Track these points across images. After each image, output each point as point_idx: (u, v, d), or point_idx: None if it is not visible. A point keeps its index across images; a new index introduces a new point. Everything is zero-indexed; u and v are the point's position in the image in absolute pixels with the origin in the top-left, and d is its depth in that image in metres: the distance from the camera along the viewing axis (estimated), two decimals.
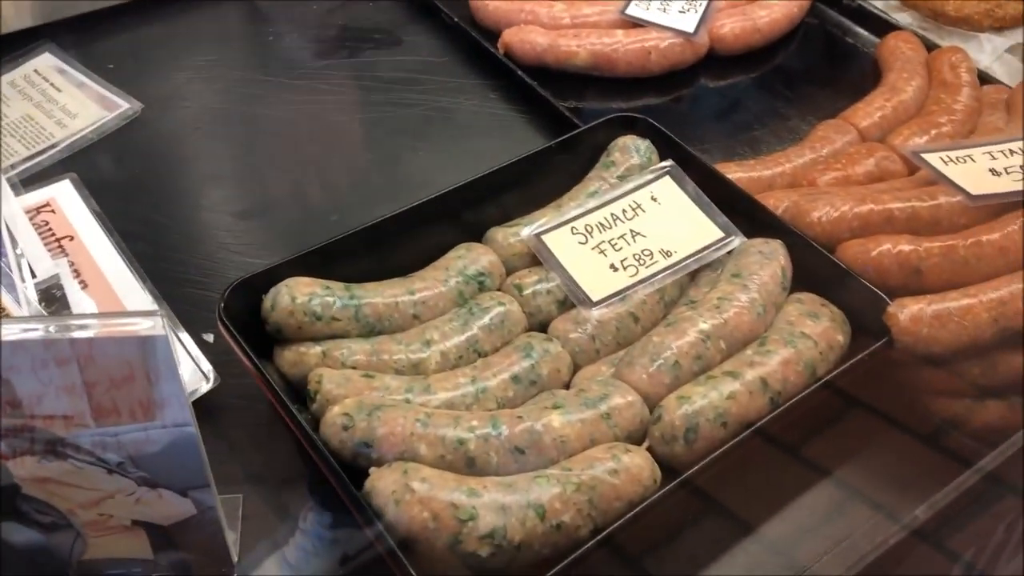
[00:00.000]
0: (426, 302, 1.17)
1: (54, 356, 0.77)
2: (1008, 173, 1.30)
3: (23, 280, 1.23)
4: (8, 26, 1.64)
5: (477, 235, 1.28)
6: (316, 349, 1.11)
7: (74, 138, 1.51)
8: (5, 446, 0.81)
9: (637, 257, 1.22)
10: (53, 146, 1.49)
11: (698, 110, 1.68)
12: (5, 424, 0.80)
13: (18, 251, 1.27)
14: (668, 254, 1.23)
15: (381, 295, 1.16)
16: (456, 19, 1.75)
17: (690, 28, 1.66)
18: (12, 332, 0.77)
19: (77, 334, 0.76)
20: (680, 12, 1.68)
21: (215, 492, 0.88)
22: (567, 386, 1.13)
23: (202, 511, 0.89)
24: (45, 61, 1.64)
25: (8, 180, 1.39)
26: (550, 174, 1.36)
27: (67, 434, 0.81)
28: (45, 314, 1.20)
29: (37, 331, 0.77)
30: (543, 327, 1.19)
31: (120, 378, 0.78)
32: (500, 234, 1.26)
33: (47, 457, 0.83)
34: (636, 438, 1.07)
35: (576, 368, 1.15)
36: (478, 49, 1.71)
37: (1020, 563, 1.30)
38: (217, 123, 1.59)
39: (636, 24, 1.68)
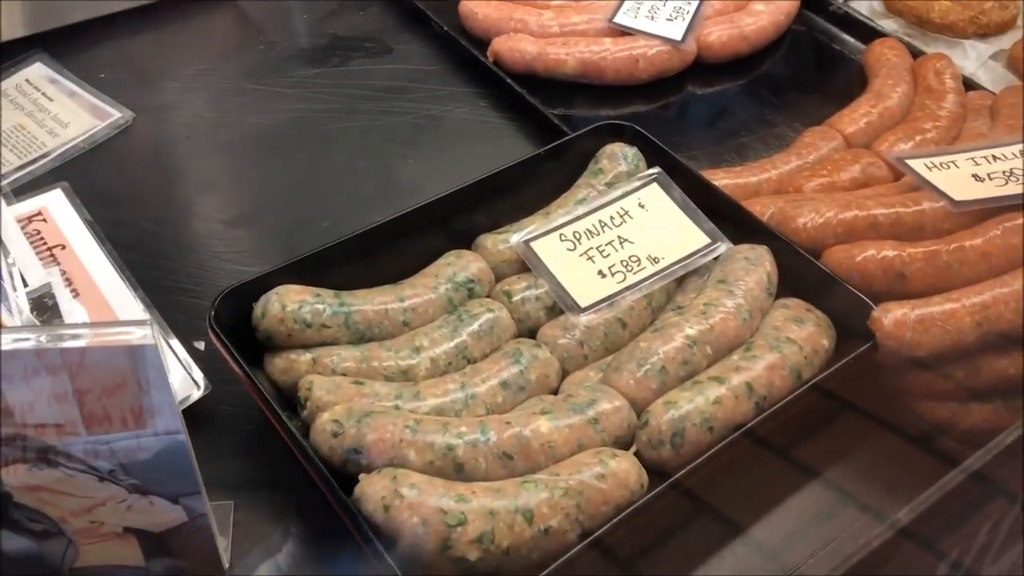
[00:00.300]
0: (416, 309, 1.18)
1: (45, 365, 0.78)
2: (991, 179, 1.32)
3: (15, 289, 1.24)
4: None
5: (467, 242, 1.29)
6: (306, 356, 1.12)
7: (66, 147, 1.52)
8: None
9: (625, 263, 1.23)
10: (45, 155, 1.50)
11: (686, 117, 1.69)
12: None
13: (10, 260, 1.27)
14: (655, 260, 1.24)
15: (371, 302, 1.17)
16: (446, 28, 1.76)
17: (677, 36, 1.67)
18: (4, 342, 0.77)
19: (68, 344, 0.77)
20: (667, 20, 1.70)
21: (206, 499, 0.89)
22: (556, 391, 1.14)
23: (193, 518, 0.89)
24: (37, 71, 1.65)
25: (0, 189, 1.40)
26: (539, 181, 1.37)
27: (59, 442, 0.82)
28: (37, 323, 1.21)
29: (29, 340, 0.78)
30: (532, 333, 1.20)
31: (111, 386, 0.79)
32: (489, 241, 1.28)
33: (39, 465, 0.84)
34: (624, 443, 1.08)
35: (564, 373, 1.16)
36: (468, 57, 1.72)
37: (1005, 562, 1.32)
38: (208, 131, 1.60)
39: (624, 32, 1.70)
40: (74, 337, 0.78)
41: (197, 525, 0.90)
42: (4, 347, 0.77)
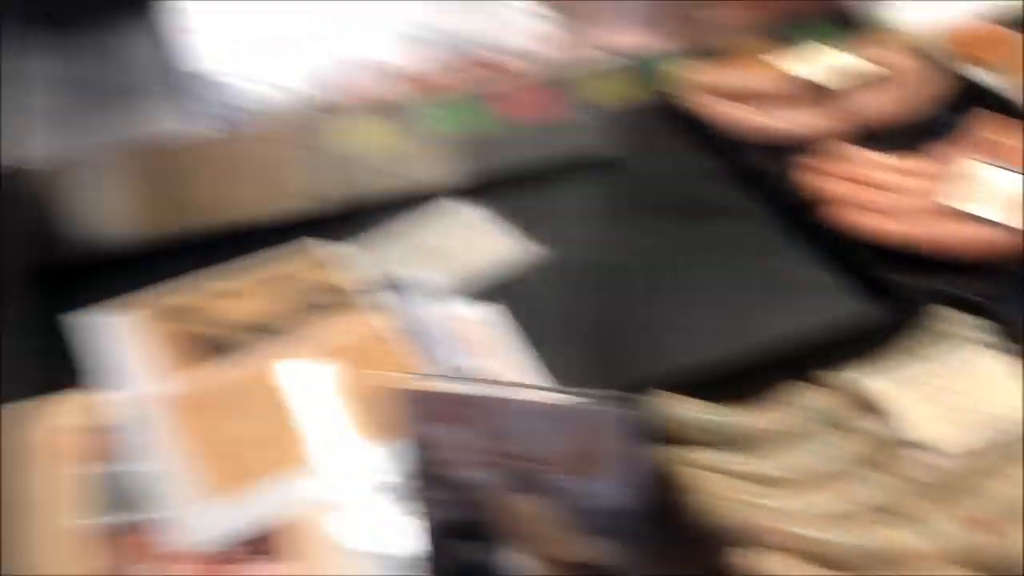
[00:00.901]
0: (779, 429, 1.42)
1: (550, 416, 1.07)
2: None
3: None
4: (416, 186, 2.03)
5: (807, 378, 1.50)
6: (690, 455, 1.37)
7: (483, 270, 1.84)
8: (500, 483, 1.12)
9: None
10: (465, 273, 1.82)
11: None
12: (506, 467, 1.10)
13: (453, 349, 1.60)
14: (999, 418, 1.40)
15: (739, 418, 1.42)
16: (785, 192, 2.03)
17: (1006, 220, 1.83)
18: (523, 395, 1.08)
19: (572, 402, 1.06)
20: (996, 205, 1.86)
21: (634, 548, 1.14)
22: None
23: (618, 561, 1.15)
24: (456, 207, 2.02)
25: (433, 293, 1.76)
26: (873, 336, 1.58)
27: (543, 479, 1.10)
28: None
29: (542, 394, 1.08)
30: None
31: (595, 442, 1.06)
32: (832, 379, 1.48)
33: (520, 494, 1.12)
34: None
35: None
36: (804, 220, 1.96)
37: None
38: (603, 265, 1.90)
39: (954, 213, 1.87)
40: (575, 399, 1.07)
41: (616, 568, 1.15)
42: (521, 398, 1.08)
